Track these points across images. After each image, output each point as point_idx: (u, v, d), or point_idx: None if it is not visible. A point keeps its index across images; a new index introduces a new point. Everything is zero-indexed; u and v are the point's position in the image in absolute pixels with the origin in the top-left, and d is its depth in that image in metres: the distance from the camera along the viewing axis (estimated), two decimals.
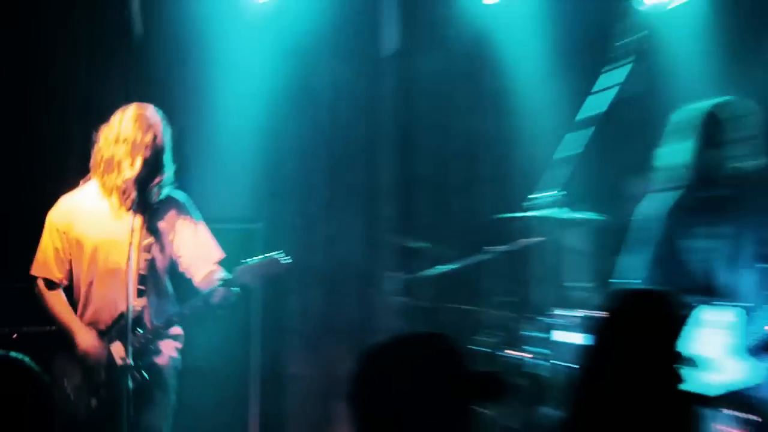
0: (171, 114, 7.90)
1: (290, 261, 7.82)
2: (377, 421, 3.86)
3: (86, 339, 7.59)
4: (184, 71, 10.10)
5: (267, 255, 7.68)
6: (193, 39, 10.09)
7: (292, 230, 10.51)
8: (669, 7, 10.04)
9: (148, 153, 7.50)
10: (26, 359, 4.06)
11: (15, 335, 8.65)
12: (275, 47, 10.35)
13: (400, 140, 10.90)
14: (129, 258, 7.36)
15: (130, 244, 7.35)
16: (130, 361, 7.27)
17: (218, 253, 7.90)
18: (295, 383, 10.64)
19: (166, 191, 7.76)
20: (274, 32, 10.34)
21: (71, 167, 8.33)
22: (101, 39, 10.13)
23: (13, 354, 4.09)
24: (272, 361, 10.36)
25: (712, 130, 7.74)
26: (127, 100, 7.94)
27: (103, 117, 7.76)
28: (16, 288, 8.35)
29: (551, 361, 9.09)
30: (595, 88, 9.09)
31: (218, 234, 8.10)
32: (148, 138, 7.53)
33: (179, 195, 7.91)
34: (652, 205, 8.04)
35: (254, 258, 7.67)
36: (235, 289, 7.52)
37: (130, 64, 9.92)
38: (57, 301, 7.76)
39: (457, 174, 11.03)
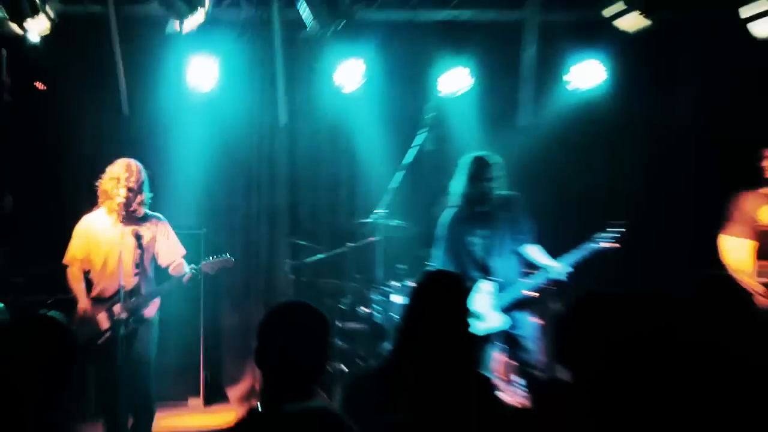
0: (146, 163, 8.35)
1: (234, 260, 8.49)
2: (271, 351, 4.20)
3: (83, 304, 8.16)
4: (155, 136, 10.38)
5: (222, 255, 8.41)
6: (161, 115, 10.40)
7: (223, 233, 10.75)
8: (456, 95, 10.41)
9: (129, 185, 8.11)
10: (59, 315, 4.15)
11: (50, 300, 8.82)
12: (212, 119, 10.60)
13: (289, 177, 11.10)
14: (120, 253, 8.00)
15: (122, 244, 8.03)
16: (124, 316, 7.91)
17: (182, 251, 8.58)
18: (227, 330, 10.95)
19: (146, 211, 8.34)
20: (211, 110, 10.53)
21: (86, 197, 8.65)
22: (102, 117, 10.47)
23: (50, 312, 4.21)
24: (212, 316, 10.76)
25: (477, 171, 8.41)
26: (119, 156, 8.39)
27: (104, 167, 8.28)
28: (53, 270, 8.59)
29: (387, 314, 9.31)
30: (413, 144, 9.40)
31: (177, 236, 8.56)
32: (128, 175, 8.15)
33: (157, 214, 8.51)
34: (447, 216, 8.65)
35: (214, 256, 8.39)
36: (199, 275, 8.27)
37: (121, 133, 10.28)
38: (74, 279, 8.30)
39: (326, 198, 11.23)
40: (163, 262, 8.53)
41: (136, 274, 8.21)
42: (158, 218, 8.54)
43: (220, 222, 10.92)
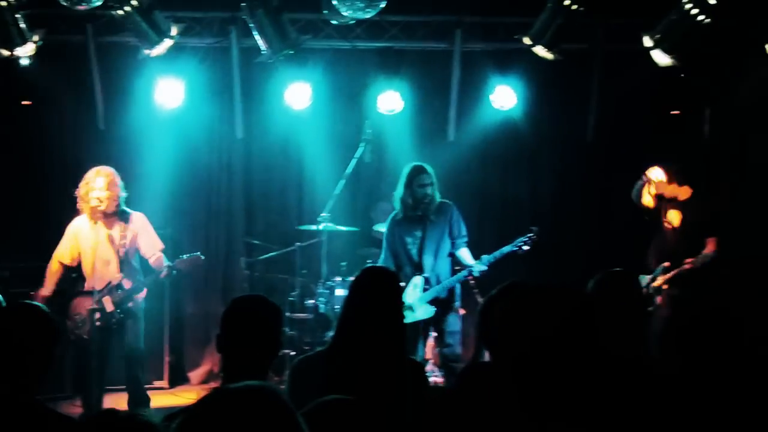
0: (119, 170, 8.43)
1: (204, 258, 8.57)
2: (231, 337, 4.23)
3: (44, 292, 8.38)
4: (128, 147, 10.36)
5: (194, 254, 8.44)
6: (133, 129, 10.39)
7: (185, 233, 10.80)
8: (392, 113, 10.28)
9: (99, 185, 8.23)
10: (43, 306, 4.09)
11: (32, 292, 8.55)
12: (177, 133, 10.59)
13: (245, 184, 11.15)
14: (96, 251, 8.24)
15: (98, 243, 8.25)
16: (110, 309, 8.11)
17: (161, 245, 8.62)
18: (189, 319, 10.99)
19: (124, 208, 8.42)
20: (176, 125, 10.51)
21: (66, 201, 8.64)
22: (81, 130, 10.51)
23: (35, 303, 4.18)
24: (176, 307, 10.72)
25: (410, 179, 8.50)
26: (96, 164, 8.48)
27: (82, 174, 8.39)
28: (35, 265, 8.87)
29: (331, 306, 9.40)
30: (354, 156, 9.47)
31: None
32: (100, 180, 8.24)
33: (136, 212, 8.57)
34: (389, 219, 8.81)
35: (187, 254, 8.41)
36: (174, 271, 8.29)
37: (97, 144, 10.26)
38: (49, 270, 8.48)
39: (277, 202, 11.23)
40: (144, 255, 8.60)
41: (120, 270, 8.31)
42: (139, 216, 8.61)
43: (183, 222, 10.93)
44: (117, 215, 8.42)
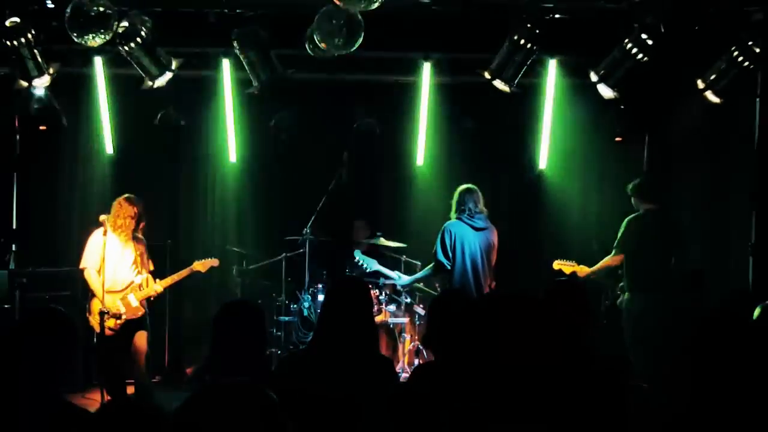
0: (127, 190, 8.82)
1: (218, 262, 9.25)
2: (221, 335, 4.44)
3: (106, 299, 8.45)
4: (131, 170, 10.48)
5: (210, 257, 9.18)
6: (136, 154, 10.58)
7: (184, 245, 10.90)
8: (368, 139, 10.48)
9: (114, 213, 8.69)
10: (63, 310, 4.10)
11: (47, 297, 9.10)
12: (177, 156, 10.98)
13: (237, 201, 11.26)
14: (122, 256, 8.71)
15: (123, 250, 8.69)
16: (138, 304, 8.70)
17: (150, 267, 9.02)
18: (187, 322, 11.10)
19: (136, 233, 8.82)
20: (176, 149, 10.82)
21: (78, 216, 8.85)
22: (91, 155, 10.62)
23: (58, 308, 4.13)
24: (176, 309, 10.77)
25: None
26: (104, 185, 9.34)
27: (93, 195, 9.15)
28: (50, 272, 9.38)
29: (314, 309, 9.71)
30: (334, 176, 9.87)
31: (149, 247, 8.97)
32: (115, 208, 8.70)
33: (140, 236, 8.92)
34: None
35: (199, 259, 9.12)
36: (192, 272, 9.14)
37: (106, 168, 10.49)
38: (91, 279, 8.62)
39: (266, 216, 11.28)
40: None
41: (141, 275, 8.79)
42: (142, 239, 8.93)
43: (182, 236, 11.13)
44: (134, 233, 8.76)
